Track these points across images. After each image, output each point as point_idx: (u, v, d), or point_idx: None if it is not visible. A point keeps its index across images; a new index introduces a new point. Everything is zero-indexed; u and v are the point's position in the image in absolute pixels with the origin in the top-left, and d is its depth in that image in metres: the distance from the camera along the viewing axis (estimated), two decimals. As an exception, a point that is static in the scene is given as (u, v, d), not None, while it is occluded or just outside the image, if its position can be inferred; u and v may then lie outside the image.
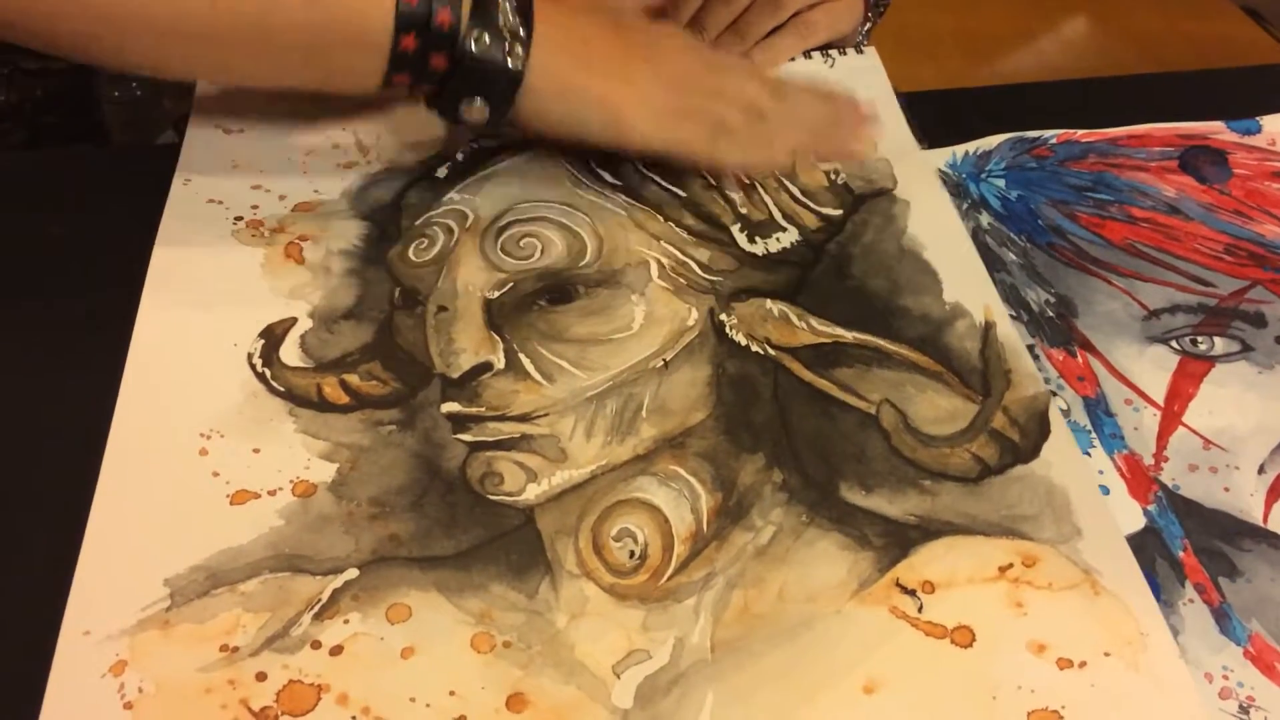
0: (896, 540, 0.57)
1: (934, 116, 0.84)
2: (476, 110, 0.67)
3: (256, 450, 0.58)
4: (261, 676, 0.49)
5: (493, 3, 0.66)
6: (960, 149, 0.83)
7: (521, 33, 0.66)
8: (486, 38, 0.65)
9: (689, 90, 0.73)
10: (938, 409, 0.64)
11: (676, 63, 0.74)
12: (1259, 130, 0.86)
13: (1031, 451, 0.62)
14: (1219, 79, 0.96)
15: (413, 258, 0.68)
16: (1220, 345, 0.69)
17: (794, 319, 0.68)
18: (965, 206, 0.78)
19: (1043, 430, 0.63)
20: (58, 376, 0.61)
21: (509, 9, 0.66)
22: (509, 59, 0.66)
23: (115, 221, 0.69)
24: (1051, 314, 0.71)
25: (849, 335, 0.67)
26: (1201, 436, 0.64)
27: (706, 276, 0.70)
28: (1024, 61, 1.05)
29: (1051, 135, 0.84)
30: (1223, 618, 0.56)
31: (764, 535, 0.57)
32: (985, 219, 0.77)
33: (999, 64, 1.03)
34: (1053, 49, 1.07)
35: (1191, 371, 0.68)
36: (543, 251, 0.70)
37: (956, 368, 0.66)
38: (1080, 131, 0.85)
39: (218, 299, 0.64)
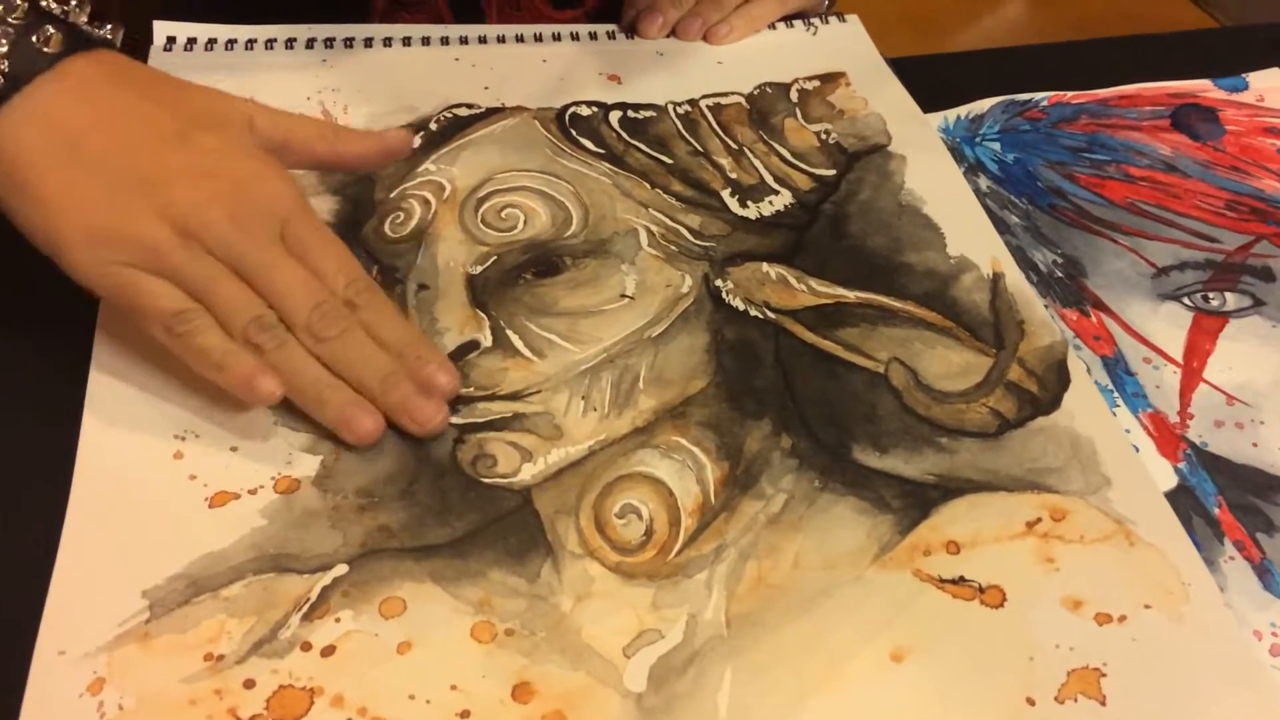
0: (916, 501, 0.55)
1: (910, 81, 0.84)
2: None
3: (234, 449, 0.55)
4: (249, 684, 0.47)
5: None
6: (951, 113, 0.82)
7: None
8: None
9: (185, 235, 0.52)
10: (949, 364, 0.62)
11: (189, 187, 0.53)
12: (1246, 87, 0.87)
13: (1052, 402, 0.60)
14: (1197, 40, 0.98)
15: (389, 233, 0.65)
16: (1232, 300, 0.69)
17: (793, 281, 0.66)
18: (962, 170, 0.77)
19: (1062, 380, 0.61)
20: (17, 382, 0.58)
21: None
22: None
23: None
24: (1061, 274, 0.70)
25: (851, 295, 0.65)
26: (1224, 392, 0.63)
27: (699, 243, 0.68)
28: (970, 42, 1.08)
29: (1042, 97, 0.84)
30: (1265, 574, 0.55)
31: (775, 503, 0.54)
32: (984, 182, 0.76)
33: (946, 45, 1.05)
34: (997, 29, 1.11)
35: (1206, 327, 0.67)
36: (526, 222, 0.67)
37: (967, 322, 0.64)
38: (1070, 93, 0.85)
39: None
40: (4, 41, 0.52)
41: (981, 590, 0.51)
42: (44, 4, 0.54)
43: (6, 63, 0.52)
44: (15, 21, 0.52)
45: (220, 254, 0.52)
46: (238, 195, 0.53)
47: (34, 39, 0.53)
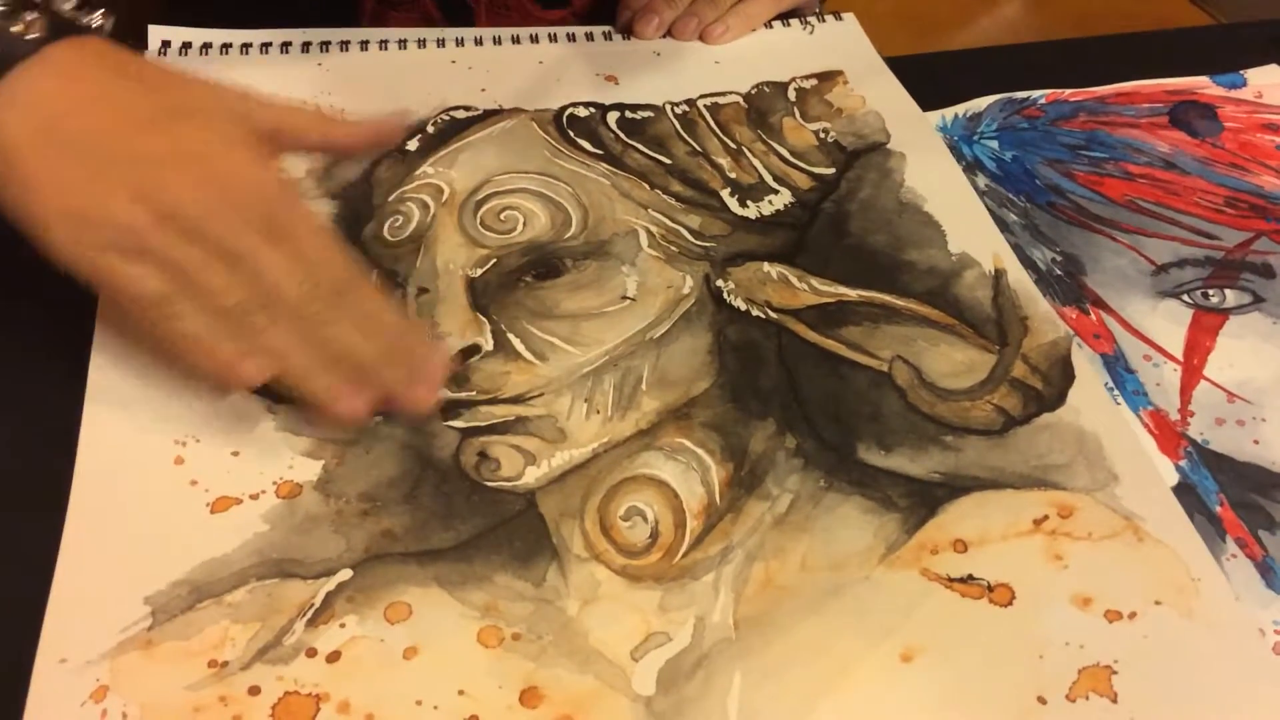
0: (922, 500, 0.55)
1: (908, 80, 0.83)
2: None
3: (235, 453, 0.54)
4: (255, 690, 0.46)
5: None
6: (949, 111, 0.82)
7: None
8: None
9: (164, 218, 0.50)
10: (953, 362, 0.62)
11: (167, 171, 0.51)
12: (1244, 84, 0.87)
13: (1057, 398, 0.60)
14: (1195, 37, 0.98)
15: (388, 237, 0.65)
16: (1232, 297, 0.68)
17: (794, 280, 0.65)
18: (961, 168, 0.76)
19: (1066, 376, 0.61)
20: (15, 388, 0.57)
21: None
22: None
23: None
24: (1060, 272, 0.69)
25: (853, 293, 0.65)
26: (1224, 390, 0.63)
27: (699, 243, 0.67)
28: (967, 41, 1.09)
29: (1040, 95, 0.84)
30: (1267, 571, 0.54)
31: (781, 503, 0.54)
32: (982, 180, 0.76)
33: (944, 44, 1.06)
34: (994, 28, 1.11)
35: (1206, 325, 0.67)
36: (525, 224, 0.67)
37: (969, 319, 0.64)
38: (1068, 91, 0.85)
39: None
40: None
41: (990, 589, 0.51)
42: None
43: None
44: None
45: (199, 239, 0.50)
46: (218, 181, 0.51)
47: (15, 25, 0.52)
